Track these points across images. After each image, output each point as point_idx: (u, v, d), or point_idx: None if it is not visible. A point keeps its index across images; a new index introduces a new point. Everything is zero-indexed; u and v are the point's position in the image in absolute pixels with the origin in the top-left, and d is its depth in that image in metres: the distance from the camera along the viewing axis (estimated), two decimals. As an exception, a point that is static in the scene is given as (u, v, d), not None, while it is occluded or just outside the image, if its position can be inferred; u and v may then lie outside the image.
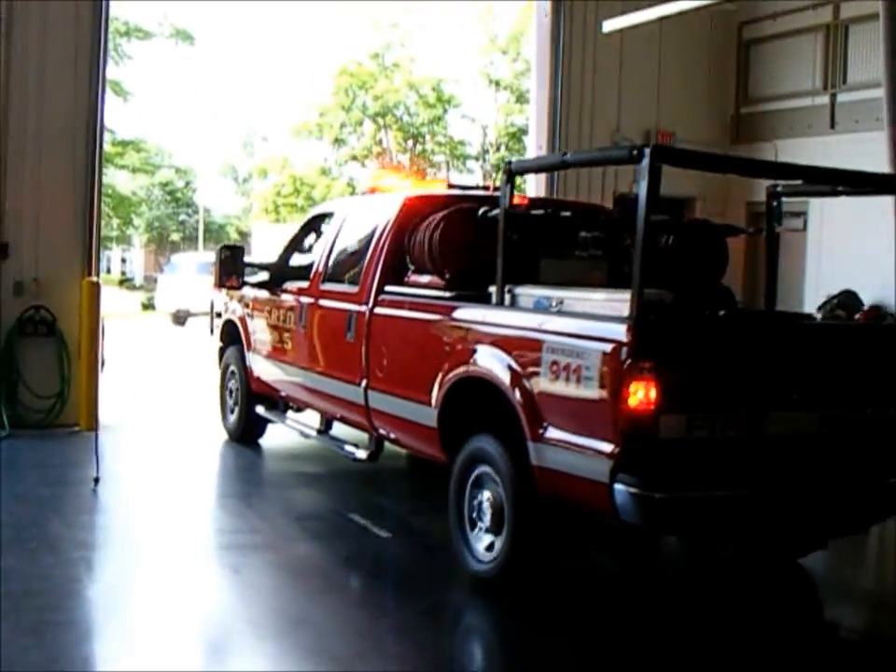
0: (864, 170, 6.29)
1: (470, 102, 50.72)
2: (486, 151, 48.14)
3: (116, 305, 37.07)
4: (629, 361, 5.18)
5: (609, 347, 5.31)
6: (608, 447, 5.29)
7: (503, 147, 42.58)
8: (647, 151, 5.17)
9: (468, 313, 6.66)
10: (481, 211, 7.07)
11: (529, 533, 6.02)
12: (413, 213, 7.67)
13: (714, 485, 5.37)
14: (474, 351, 6.39)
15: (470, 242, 7.01)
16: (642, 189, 5.16)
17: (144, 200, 49.38)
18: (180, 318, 29.72)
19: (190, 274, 30.30)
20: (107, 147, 33.82)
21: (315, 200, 45.00)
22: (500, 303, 6.46)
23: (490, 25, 43.34)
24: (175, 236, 56.52)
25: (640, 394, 5.15)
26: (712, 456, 5.39)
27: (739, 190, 12.61)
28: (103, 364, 11.75)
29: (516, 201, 7.15)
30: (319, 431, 9.01)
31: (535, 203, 8.29)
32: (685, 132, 13.40)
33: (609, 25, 11.54)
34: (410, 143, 49.20)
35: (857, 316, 8.33)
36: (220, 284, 9.78)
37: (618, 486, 5.22)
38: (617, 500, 5.25)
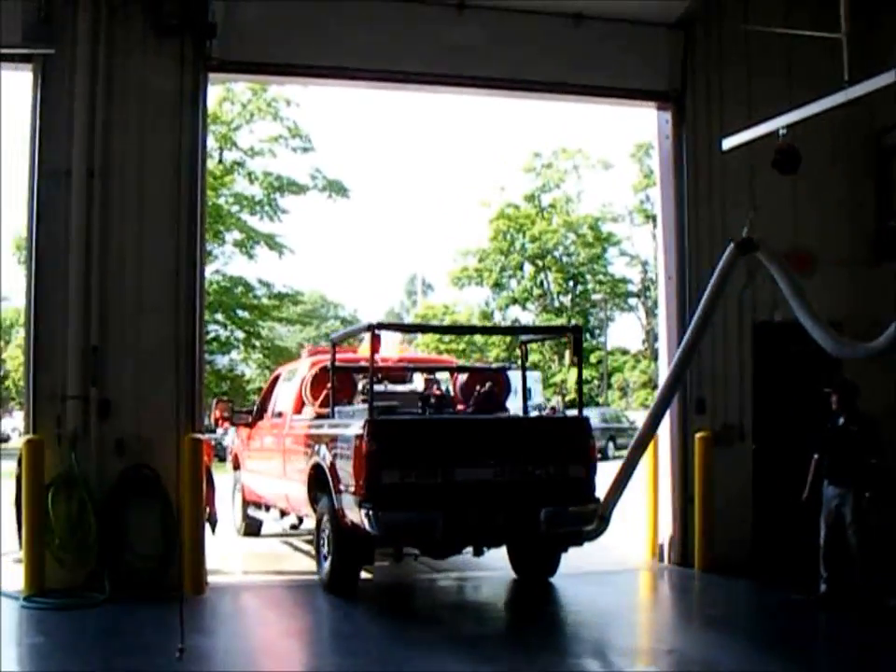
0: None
1: (630, 239, 50.31)
2: (647, 288, 47.33)
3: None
4: (364, 441, 9.36)
5: (357, 433, 9.55)
6: (359, 489, 9.39)
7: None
8: (373, 324, 10.01)
9: (311, 426, 11.43)
10: (328, 367, 11.44)
11: (342, 554, 10.03)
12: (314, 370, 12.31)
13: (419, 510, 9.34)
14: (317, 446, 10.72)
15: (327, 385, 11.42)
16: (364, 347, 10.29)
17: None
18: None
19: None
20: (264, 301, 34.91)
21: (477, 343, 44.92)
22: (333, 418, 10.94)
23: (644, 161, 43.10)
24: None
25: (371, 460, 9.31)
26: (419, 494, 9.40)
27: (889, 312, 11.44)
28: (215, 522, 11.39)
29: (386, 357, 11.41)
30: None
31: (401, 360, 13.16)
32: (826, 250, 12.24)
33: (729, 143, 10.76)
34: (570, 283, 48.89)
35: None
36: (215, 425, 16.69)
37: (362, 511, 9.22)
38: (363, 520, 9.21)
